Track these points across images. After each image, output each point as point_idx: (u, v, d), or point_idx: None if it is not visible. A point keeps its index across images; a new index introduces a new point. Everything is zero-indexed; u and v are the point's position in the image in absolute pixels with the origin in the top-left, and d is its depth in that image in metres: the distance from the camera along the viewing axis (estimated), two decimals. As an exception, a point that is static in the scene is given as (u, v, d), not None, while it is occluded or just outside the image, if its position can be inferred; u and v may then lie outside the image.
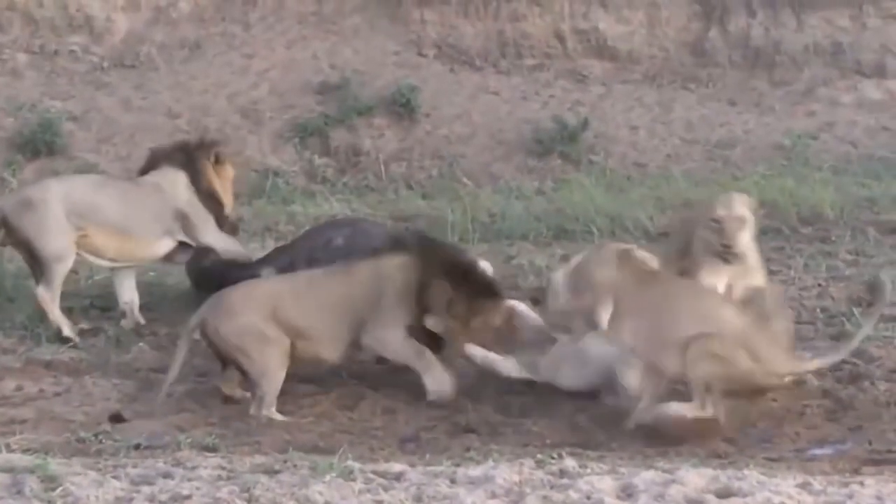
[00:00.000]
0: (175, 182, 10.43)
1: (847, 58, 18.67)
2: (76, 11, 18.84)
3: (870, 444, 7.52)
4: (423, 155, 17.19)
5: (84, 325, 10.23)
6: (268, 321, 8.43)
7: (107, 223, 10.13)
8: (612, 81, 18.89)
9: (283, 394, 8.44)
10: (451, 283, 8.50)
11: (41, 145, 16.62)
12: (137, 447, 7.41)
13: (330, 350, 8.55)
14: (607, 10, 19.30)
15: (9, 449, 7.17)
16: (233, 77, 18.35)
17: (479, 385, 8.68)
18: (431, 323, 8.46)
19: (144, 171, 10.75)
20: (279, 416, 8.21)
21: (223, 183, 10.67)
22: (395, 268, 8.63)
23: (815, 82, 18.61)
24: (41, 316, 10.19)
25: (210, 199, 10.48)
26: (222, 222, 10.55)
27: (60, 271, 10.02)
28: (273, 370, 8.35)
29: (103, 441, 7.56)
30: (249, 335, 8.40)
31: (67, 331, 9.85)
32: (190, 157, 10.54)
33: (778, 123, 17.79)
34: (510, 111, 17.98)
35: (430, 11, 19.39)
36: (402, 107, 17.68)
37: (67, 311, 10.31)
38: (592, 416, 8.12)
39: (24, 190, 11.10)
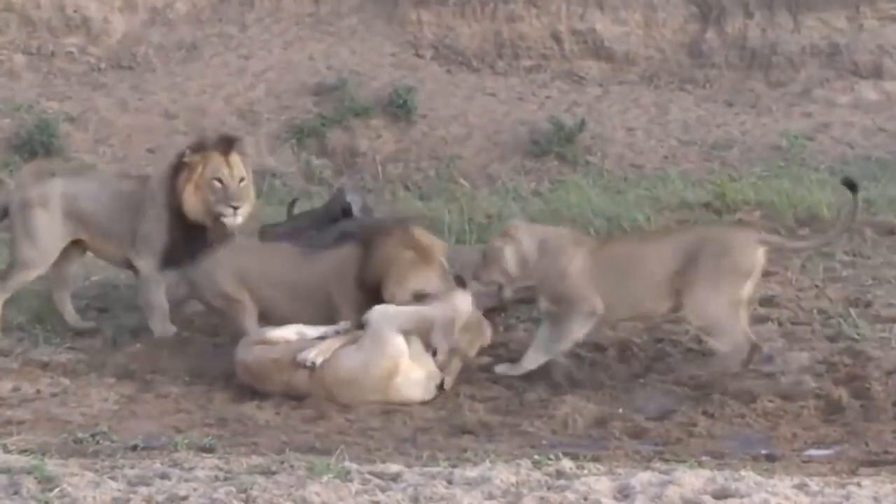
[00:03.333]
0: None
1: (844, 59, 18.69)
2: (73, 12, 18.84)
3: (867, 445, 7.53)
4: (420, 156, 17.19)
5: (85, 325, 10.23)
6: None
7: None
8: (608, 82, 18.91)
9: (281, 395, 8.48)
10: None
11: (38, 146, 16.62)
12: (134, 448, 7.41)
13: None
14: (604, 12, 19.31)
15: (6, 450, 7.17)
16: (229, 78, 18.35)
17: (477, 386, 8.69)
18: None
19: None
20: None
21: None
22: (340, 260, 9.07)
23: (811, 83, 18.62)
24: (39, 317, 10.20)
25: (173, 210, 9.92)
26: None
27: None
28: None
29: (100, 442, 7.57)
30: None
31: None
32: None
33: (775, 124, 17.81)
34: (507, 112, 17.99)
35: (427, 12, 19.40)
36: (399, 108, 17.69)
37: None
38: (589, 417, 8.13)
39: None
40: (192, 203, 9.70)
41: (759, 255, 8.64)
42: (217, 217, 9.68)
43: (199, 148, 9.86)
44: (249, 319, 9.27)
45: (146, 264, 9.86)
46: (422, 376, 8.48)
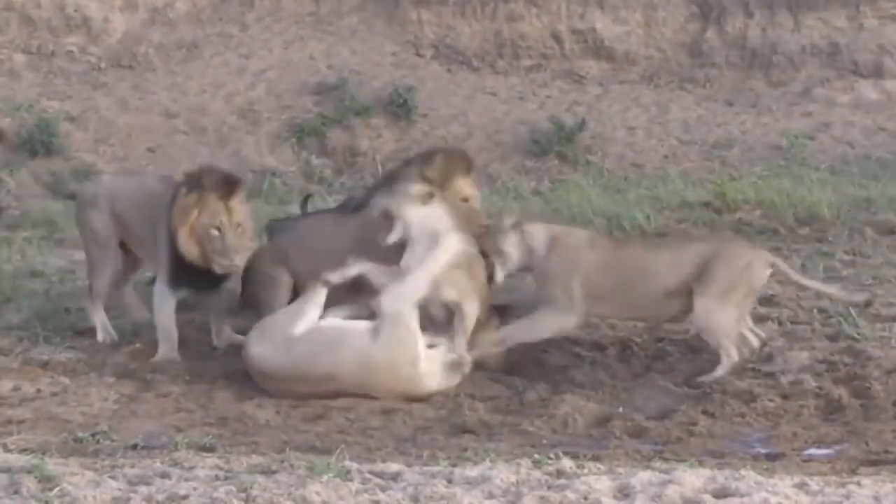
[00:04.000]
0: None
1: (844, 58, 18.71)
2: (73, 12, 18.85)
3: (867, 444, 7.52)
4: (421, 155, 17.18)
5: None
6: None
7: None
8: (609, 82, 18.92)
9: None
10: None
11: (38, 145, 16.63)
12: (135, 447, 7.40)
13: None
14: (604, 11, 19.32)
15: (6, 449, 7.17)
16: (230, 77, 18.36)
17: (476, 385, 8.68)
18: None
19: None
20: None
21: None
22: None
23: (812, 83, 18.63)
24: (39, 317, 10.19)
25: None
26: None
27: None
28: None
29: (100, 441, 7.56)
30: None
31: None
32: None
33: (775, 124, 17.82)
34: (507, 112, 18.00)
35: (428, 12, 19.41)
36: (400, 107, 17.70)
37: (65, 311, 10.32)
38: (590, 417, 8.13)
39: None
40: (186, 247, 9.04)
41: (766, 276, 8.95)
42: (211, 262, 9.03)
43: (196, 186, 9.06)
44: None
45: (160, 278, 9.47)
46: (439, 363, 8.49)
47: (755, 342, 8.84)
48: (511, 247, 8.85)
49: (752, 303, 8.96)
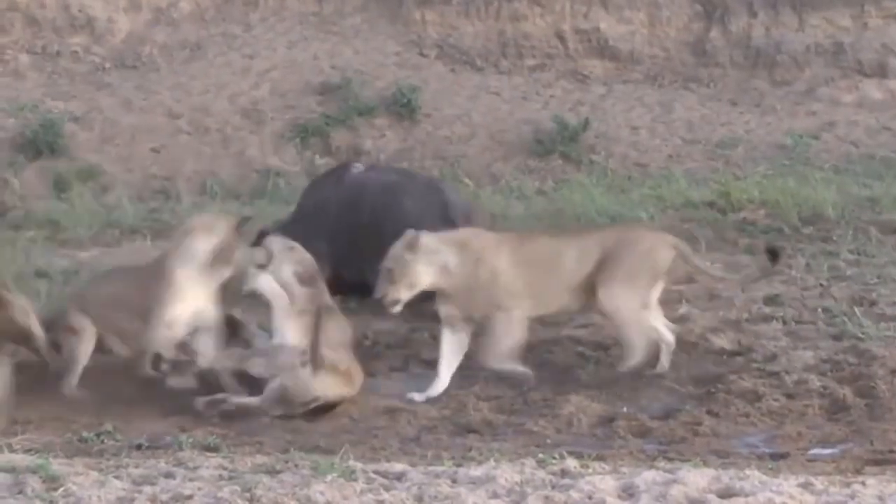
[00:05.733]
0: None
1: (848, 58, 18.70)
2: (78, 12, 18.87)
3: (872, 444, 7.52)
4: (424, 155, 17.21)
5: None
6: None
7: None
8: (613, 81, 18.91)
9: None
10: None
11: (43, 146, 16.64)
12: (139, 447, 7.41)
13: None
14: (608, 10, 19.32)
15: (11, 449, 7.17)
16: (234, 77, 18.37)
17: (481, 385, 8.68)
18: None
19: None
20: None
21: None
22: None
23: (816, 82, 18.62)
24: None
25: None
26: None
27: None
28: None
29: (105, 441, 7.57)
30: None
31: None
32: None
33: (779, 123, 17.81)
34: (511, 111, 18.00)
35: (431, 12, 19.42)
36: (403, 107, 17.70)
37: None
38: (594, 417, 8.13)
39: None
40: None
41: (670, 258, 8.82)
42: None
43: None
44: None
45: None
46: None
47: (669, 337, 8.75)
48: (422, 266, 8.48)
49: (659, 290, 8.83)
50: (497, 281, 8.54)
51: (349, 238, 10.20)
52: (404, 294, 8.46)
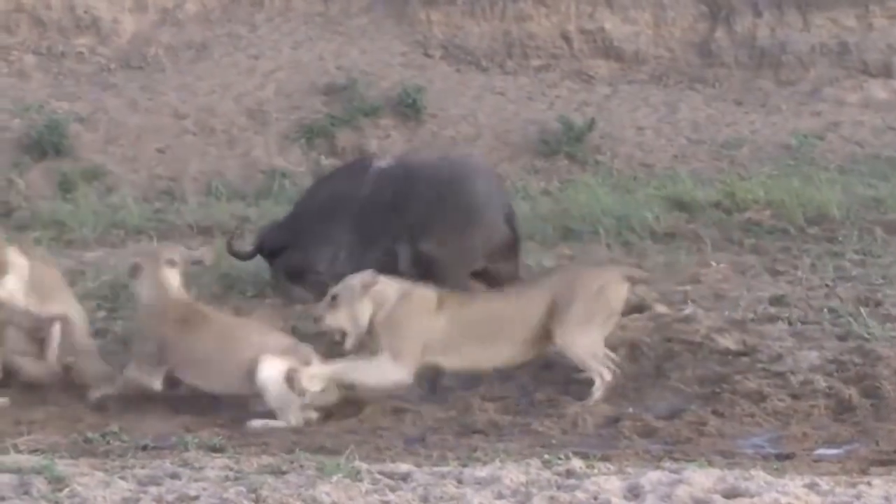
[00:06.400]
0: None
1: (853, 58, 18.70)
2: (83, 13, 18.88)
3: (877, 444, 7.52)
4: (430, 156, 17.20)
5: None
6: None
7: None
8: (618, 82, 18.91)
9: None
10: None
11: (48, 146, 16.65)
12: (145, 448, 7.42)
13: None
14: (613, 11, 19.32)
15: (16, 450, 7.19)
16: (239, 78, 18.38)
17: (486, 386, 8.69)
18: None
19: None
20: None
21: None
22: None
23: (821, 82, 18.62)
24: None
25: None
26: None
27: None
28: None
29: (111, 442, 7.58)
30: None
31: None
32: None
33: (784, 123, 17.81)
34: (516, 112, 18.00)
35: (436, 12, 19.42)
36: (409, 107, 17.71)
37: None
38: (599, 417, 8.13)
39: None
40: None
41: (626, 292, 8.76)
42: None
43: None
44: None
45: None
46: None
47: (609, 374, 8.57)
48: (367, 307, 8.48)
49: (616, 321, 8.77)
50: (425, 337, 8.48)
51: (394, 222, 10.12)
52: (339, 322, 8.50)
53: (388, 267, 9.37)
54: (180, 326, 8.47)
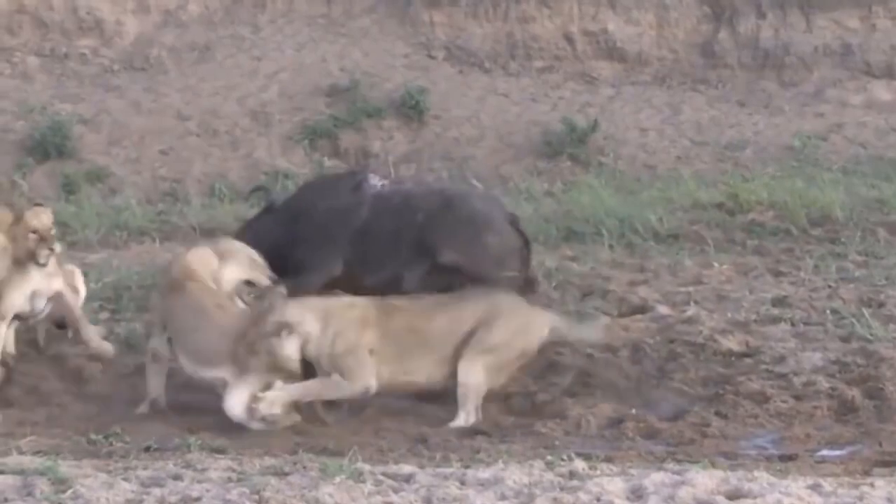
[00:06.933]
0: None
1: (856, 59, 18.69)
2: (86, 14, 18.89)
3: (880, 445, 7.52)
4: (433, 157, 17.21)
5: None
6: None
7: None
8: (621, 83, 18.91)
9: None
10: None
11: (51, 148, 16.66)
12: (147, 449, 7.42)
13: None
14: (616, 12, 19.32)
15: (19, 451, 7.19)
16: (242, 79, 18.39)
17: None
18: None
19: None
20: None
21: None
22: None
23: (824, 83, 18.61)
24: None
25: None
26: None
27: None
28: None
29: (113, 443, 7.58)
30: None
31: None
32: None
33: (787, 124, 17.80)
34: (519, 113, 18.00)
35: (439, 13, 19.42)
36: (412, 109, 17.71)
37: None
38: (602, 418, 8.13)
39: None
40: None
41: (542, 338, 8.40)
42: None
43: None
44: None
45: None
46: None
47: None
48: (287, 348, 8.08)
49: (515, 367, 8.39)
50: (354, 351, 8.14)
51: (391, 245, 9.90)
52: (269, 374, 8.10)
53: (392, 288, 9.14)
54: None
